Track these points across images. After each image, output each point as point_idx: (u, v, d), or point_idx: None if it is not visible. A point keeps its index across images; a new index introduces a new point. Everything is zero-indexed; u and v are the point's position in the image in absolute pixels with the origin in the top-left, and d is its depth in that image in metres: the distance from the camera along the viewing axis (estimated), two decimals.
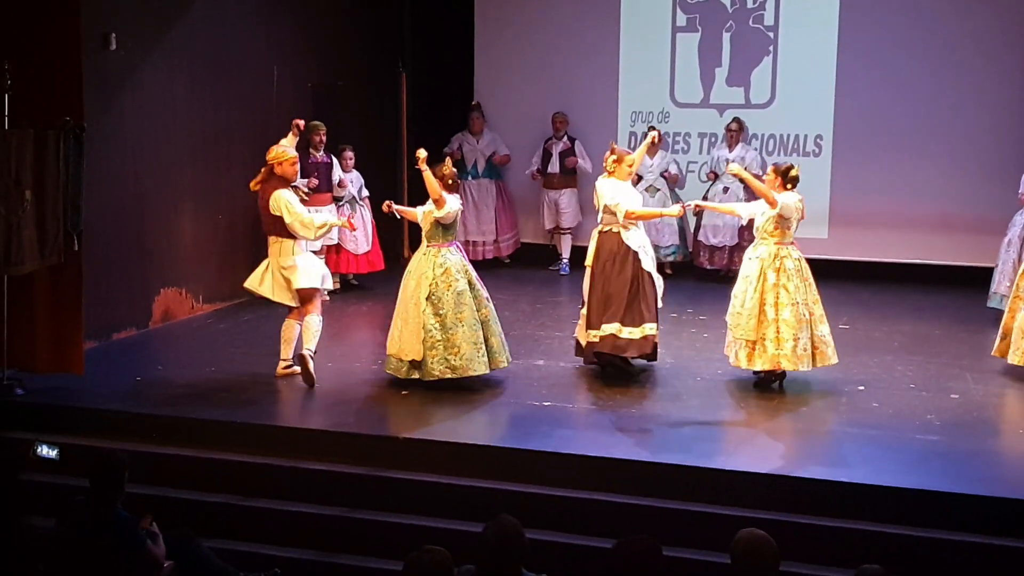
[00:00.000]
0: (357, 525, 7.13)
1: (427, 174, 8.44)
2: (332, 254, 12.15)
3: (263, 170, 8.82)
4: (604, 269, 8.74)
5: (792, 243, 8.53)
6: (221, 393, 8.57)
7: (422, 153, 8.45)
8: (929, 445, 7.49)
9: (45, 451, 6.53)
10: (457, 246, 8.70)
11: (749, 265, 8.60)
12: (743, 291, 8.54)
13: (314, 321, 8.80)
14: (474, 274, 8.65)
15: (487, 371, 8.55)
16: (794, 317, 8.36)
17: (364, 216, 12.29)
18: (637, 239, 8.76)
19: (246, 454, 7.65)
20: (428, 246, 8.61)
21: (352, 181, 12.18)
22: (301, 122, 9.24)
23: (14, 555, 5.32)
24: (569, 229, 13.48)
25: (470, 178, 13.55)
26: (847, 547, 6.42)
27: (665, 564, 4.73)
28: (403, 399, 8.47)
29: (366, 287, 12.31)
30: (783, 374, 8.61)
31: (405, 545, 5.16)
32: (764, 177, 8.83)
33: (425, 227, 8.63)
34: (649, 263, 8.75)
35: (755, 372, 8.66)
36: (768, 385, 8.64)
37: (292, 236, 8.75)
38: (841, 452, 7.54)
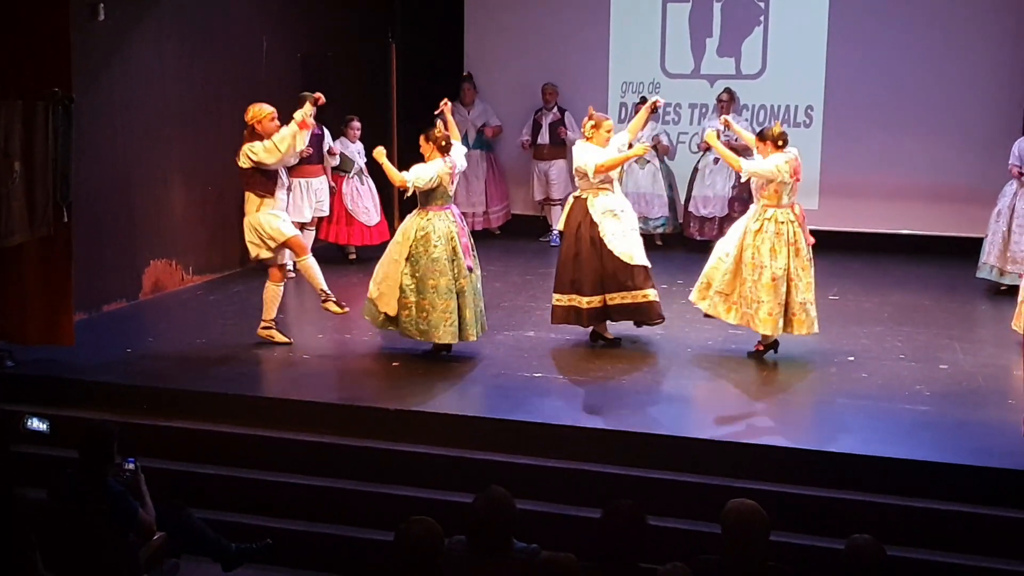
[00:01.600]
0: (348, 496, 7.14)
1: (385, 167, 8.53)
2: (344, 226, 12.12)
3: (245, 132, 8.78)
4: (571, 236, 8.77)
5: (790, 206, 8.45)
6: (211, 364, 8.57)
7: (380, 151, 8.48)
8: (918, 415, 7.51)
9: (35, 424, 6.51)
10: (451, 210, 8.60)
11: (739, 221, 8.72)
12: (727, 240, 8.65)
13: (308, 263, 8.95)
14: (460, 243, 8.49)
15: (455, 341, 8.52)
16: (761, 281, 8.35)
17: (371, 187, 12.27)
18: (607, 203, 8.71)
19: (236, 425, 7.65)
20: (419, 209, 8.60)
21: (359, 153, 12.13)
22: (321, 98, 8.95)
23: (7, 526, 5.32)
24: (559, 200, 13.41)
25: None
26: (836, 517, 6.44)
27: (650, 530, 4.83)
28: (393, 370, 8.47)
29: (364, 257, 12.26)
30: (775, 343, 8.62)
31: (396, 516, 5.17)
32: (756, 147, 8.74)
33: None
34: (615, 231, 8.66)
35: (756, 345, 8.72)
36: (762, 356, 8.65)
37: (261, 192, 8.73)
38: (830, 422, 7.57)
